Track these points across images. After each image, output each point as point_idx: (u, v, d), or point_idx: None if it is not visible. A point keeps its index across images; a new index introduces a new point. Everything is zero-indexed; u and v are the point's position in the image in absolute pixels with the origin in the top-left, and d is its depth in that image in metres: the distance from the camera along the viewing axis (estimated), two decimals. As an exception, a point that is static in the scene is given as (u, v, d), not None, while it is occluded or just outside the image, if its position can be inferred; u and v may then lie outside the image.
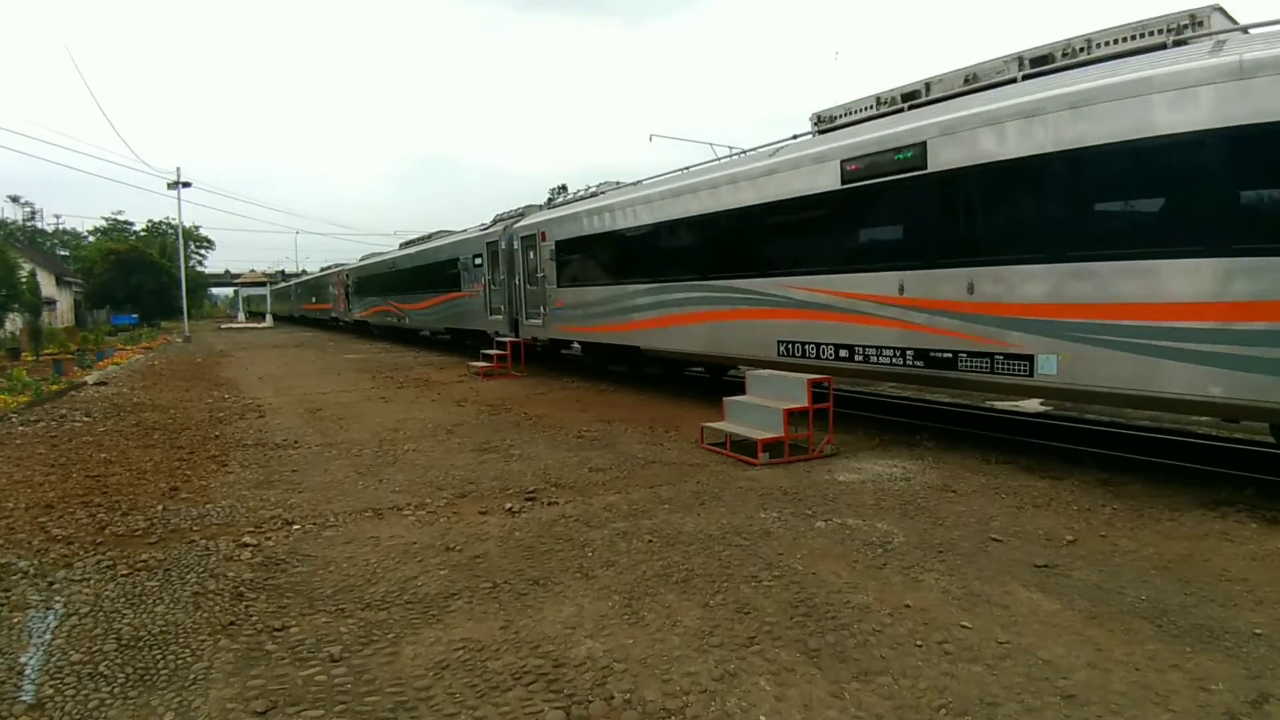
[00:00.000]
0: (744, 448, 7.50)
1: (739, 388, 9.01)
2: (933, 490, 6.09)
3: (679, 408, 10.69)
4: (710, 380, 13.12)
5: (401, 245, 29.20)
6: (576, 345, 15.84)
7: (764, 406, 7.77)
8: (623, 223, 12.53)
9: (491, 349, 16.39)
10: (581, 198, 15.05)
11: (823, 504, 5.75)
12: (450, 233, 23.70)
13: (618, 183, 14.59)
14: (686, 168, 12.00)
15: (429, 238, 25.15)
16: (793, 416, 7.43)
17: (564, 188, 18.01)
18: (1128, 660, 3.26)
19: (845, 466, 7.00)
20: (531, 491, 6.26)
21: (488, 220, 19.84)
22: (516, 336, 16.44)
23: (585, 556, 4.71)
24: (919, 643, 3.45)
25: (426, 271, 23.27)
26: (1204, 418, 7.99)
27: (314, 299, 45.89)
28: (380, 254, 32.61)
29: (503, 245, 17.11)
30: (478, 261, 18.88)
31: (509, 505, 5.85)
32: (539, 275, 15.23)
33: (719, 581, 4.23)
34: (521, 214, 17.41)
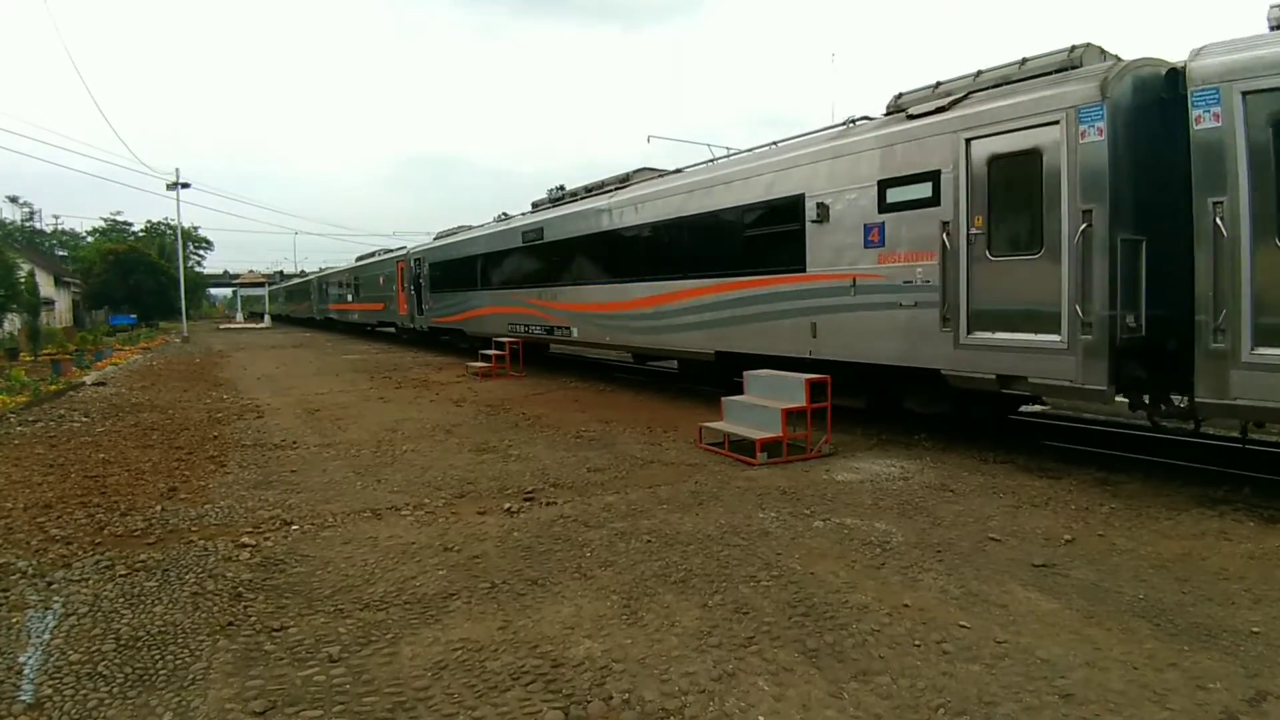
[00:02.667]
0: (742, 448, 7.50)
1: (736, 387, 9.00)
2: (931, 490, 6.10)
3: (677, 408, 10.70)
4: (707, 380, 13.03)
5: (537, 205, 16.91)
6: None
7: (762, 406, 7.77)
8: None
9: (491, 350, 15.05)
10: None
11: (821, 504, 5.75)
12: (682, 166, 12.03)
13: None
14: None
15: (626, 180, 13.37)
16: (791, 416, 7.44)
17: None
18: (1126, 659, 3.27)
19: (843, 466, 7.01)
20: (530, 492, 6.26)
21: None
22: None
23: (584, 557, 4.71)
24: (917, 642, 3.45)
25: (656, 236, 11.77)
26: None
27: (350, 297, 33.87)
28: (474, 227, 20.49)
29: (1074, 142, 6.07)
30: (899, 198, 7.71)
31: (507, 505, 5.85)
32: None
33: (717, 581, 4.24)
34: (1071, 65, 6.56)
